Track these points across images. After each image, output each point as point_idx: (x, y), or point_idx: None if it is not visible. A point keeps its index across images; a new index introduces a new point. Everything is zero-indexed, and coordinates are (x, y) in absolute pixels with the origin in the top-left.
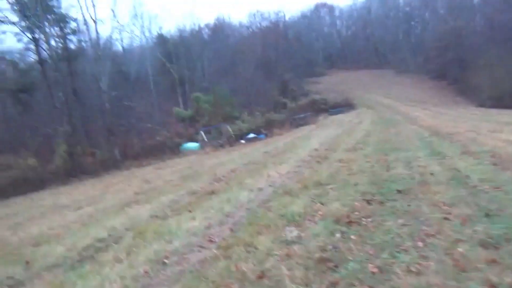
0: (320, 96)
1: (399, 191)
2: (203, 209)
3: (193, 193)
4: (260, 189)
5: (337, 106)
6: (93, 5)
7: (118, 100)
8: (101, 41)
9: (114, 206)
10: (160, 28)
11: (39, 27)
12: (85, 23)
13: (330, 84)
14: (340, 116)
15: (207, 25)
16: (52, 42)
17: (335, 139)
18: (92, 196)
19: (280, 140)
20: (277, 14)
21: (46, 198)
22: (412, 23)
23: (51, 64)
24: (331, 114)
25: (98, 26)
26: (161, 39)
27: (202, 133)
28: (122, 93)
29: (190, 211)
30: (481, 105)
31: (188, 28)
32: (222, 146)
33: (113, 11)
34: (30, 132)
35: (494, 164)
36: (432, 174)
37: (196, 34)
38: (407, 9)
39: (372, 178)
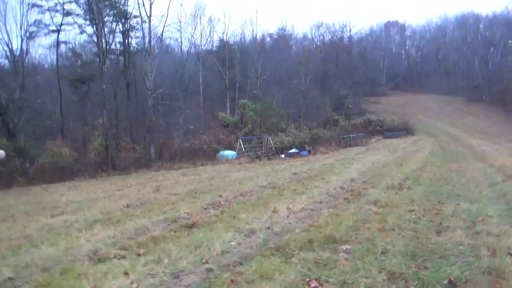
0: (377, 117)
1: (451, 283)
2: (155, 254)
3: (174, 221)
4: (253, 232)
5: (394, 129)
6: (150, 2)
7: (167, 99)
8: (152, 39)
9: (86, 220)
10: (223, 33)
11: (100, 21)
12: (141, 19)
13: (391, 105)
14: (395, 141)
15: (269, 34)
16: (112, 37)
17: (381, 168)
18: (91, 199)
19: (321, 160)
20: (342, 28)
21: (57, 191)
22: (492, 49)
23: (108, 58)
24: (386, 138)
25: (152, 24)
26: (219, 43)
27: (241, 141)
28: (172, 93)
29: (139, 254)
30: None
31: (248, 35)
32: (259, 158)
33: (168, 10)
34: (80, 122)
35: None
36: (511, 255)
37: (256, 41)
38: (488, 33)
39: (412, 244)
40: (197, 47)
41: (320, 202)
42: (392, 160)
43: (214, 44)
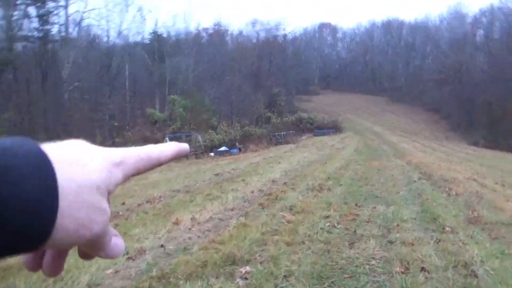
0: (308, 115)
1: None
2: None
3: None
4: (140, 253)
5: (324, 127)
6: None
7: (92, 93)
8: (71, 26)
9: None
10: (155, 25)
11: (7, 3)
12: (56, 3)
13: (322, 104)
14: (324, 138)
15: (205, 29)
16: (22, 22)
17: (306, 167)
18: None
19: (249, 159)
20: (277, 26)
21: None
22: (413, 53)
23: (22, 45)
24: (316, 135)
25: (73, 10)
26: (151, 36)
27: (168, 139)
28: (97, 86)
29: None
30: (474, 143)
31: (181, 28)
32: (186, 157)
33: None
34: None
35: None
36: (424, 271)
37: (189, 35)
38: (410, 39)
39: (321, 261)
40: (125, 38)
41: (232, 209)
42: (318, 158)
43: (145, 36)
